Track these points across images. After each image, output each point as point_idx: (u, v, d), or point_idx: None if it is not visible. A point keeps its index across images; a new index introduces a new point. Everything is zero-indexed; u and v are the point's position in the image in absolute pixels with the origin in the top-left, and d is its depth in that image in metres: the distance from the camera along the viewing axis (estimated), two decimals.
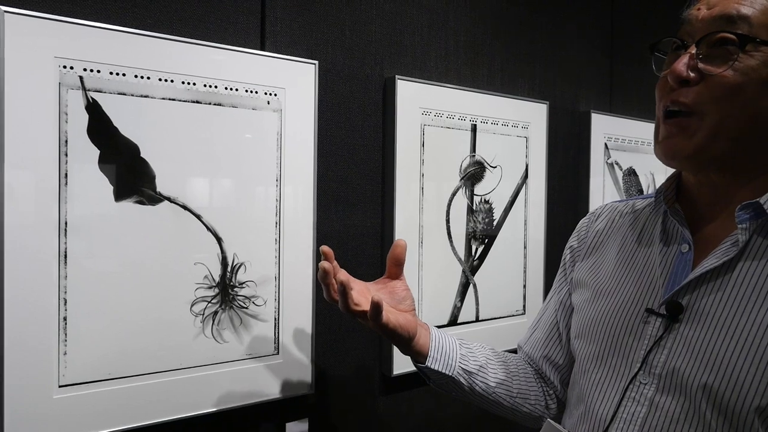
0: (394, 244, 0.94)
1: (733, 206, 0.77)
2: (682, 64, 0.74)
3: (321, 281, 0.85)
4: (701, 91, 0.74)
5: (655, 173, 2.02)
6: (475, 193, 1.52)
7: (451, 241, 1.48)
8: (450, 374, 0.93)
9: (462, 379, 0.94)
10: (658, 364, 0.77)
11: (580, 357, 0.89)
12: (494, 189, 1.56)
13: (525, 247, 1.64)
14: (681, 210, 0.83)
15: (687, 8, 0.82)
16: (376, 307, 0.82)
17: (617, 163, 1.92)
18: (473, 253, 1.53)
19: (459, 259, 1.49)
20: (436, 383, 0.96)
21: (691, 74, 0.74)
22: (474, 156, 1.52)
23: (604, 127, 1.85)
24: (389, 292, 0.93)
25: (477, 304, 1.54)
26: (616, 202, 1.01)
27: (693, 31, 0.77)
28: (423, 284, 1.42)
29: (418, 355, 0.93)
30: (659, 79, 0.81)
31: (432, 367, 0.92)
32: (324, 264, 0.84)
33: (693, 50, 0.74)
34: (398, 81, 1.35)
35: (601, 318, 0.86)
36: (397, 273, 0.95)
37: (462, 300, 1.50)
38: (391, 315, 0.87)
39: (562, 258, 1.04)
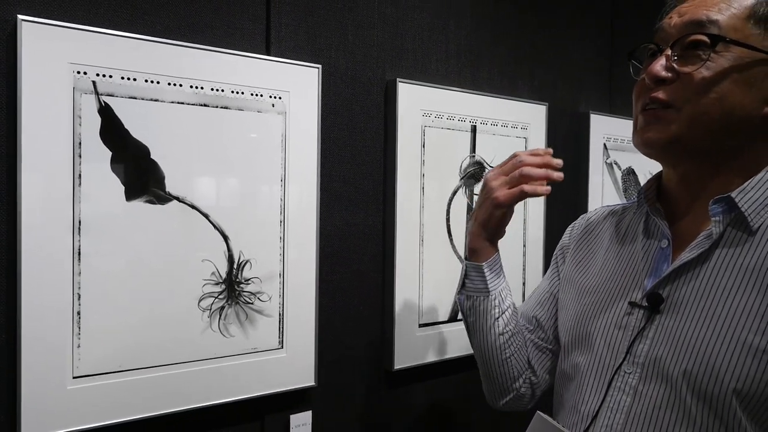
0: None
1: (707, 201, 0.81)
2: (658, 65, 0.80)
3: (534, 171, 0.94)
4: (677, 88, 0.79)
5: (654, 173, 2.04)
6: (474, 192, 1.56)
7: (451, 240, 1.51)
8: (491, 290, 1.00)
9: (495, 302, 1.01)
10: (641, 354, 0.81)
11: (568, 349, 0.93)
12: None
13: (524, 246, 1.68)
14: (662, 209, 0.88)
15: (660, 20, 0.87)
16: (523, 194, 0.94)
17: (616, 163, 1.95)
18: None
19: (459, 257, 1.53)
20: (468, 297, 1.02)
21: (668, 74, 0.79)
22: (474, 156, 1.55)
23: (603, 127, 1.88)
24: None
25: None
26: (606, 206, 1.06)
27: (666, 37, 0.82)
28: (423, 281, 1.46)
29: (479, 256, 1.01)
30: (636, 82, 0.86)
31: (484, 270, 1.00)
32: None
33: (668, 52, 0.80)
34: (399, 84, 1.38)
35: (588, 312, 0.90)
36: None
37: None
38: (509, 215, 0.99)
39: (554, 255, 1.08)
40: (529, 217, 1.68)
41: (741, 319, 0.74)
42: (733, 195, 0.79)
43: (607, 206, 1.06)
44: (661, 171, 0.94)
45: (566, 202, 1.84)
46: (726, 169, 0.82)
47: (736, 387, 0.73)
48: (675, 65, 0.79)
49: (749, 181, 0.80)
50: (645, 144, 0.83)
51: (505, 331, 1.01)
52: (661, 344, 0.79)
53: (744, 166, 0.81)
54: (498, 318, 1.01)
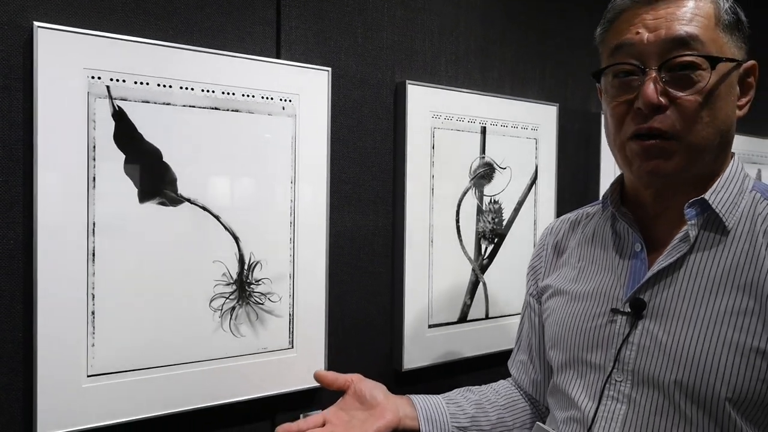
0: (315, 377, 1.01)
1: (680, 204, 0.80)
2: (652, 91, 0.75)
3: None
4: (673, 115, 0.76)
5: None
6: (484, 193, 1.56)
7: (461, 241, 1.52)
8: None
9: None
10: (630, 361, 0.80)
11: (557, 364, 0.93)
12: (504, 189, 1.60)
13: (534, 247, 1.68)
14: (629, 212, 0.87)
15: (606, 27, 0.82)
16: None
17: None
18: (483, 253, 1.57)
19: (469, 258, 1.53)
20: None
21: (664, 100, 0.75)
22: (484, 157, 1.55)
23: None
24: (357, 400, 0.98)
25: (486, 301, 1.58)
26: (567, 214, 1.06)
27: (641, 55, 0.77)
28: (433, 283, 1.46)
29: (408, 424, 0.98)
30: (615, 104, 0.81)
31: None
32: None
33: (653, 75, 0.76)
34: (409, 86, 1.39)
35: (571, 324, 0.89)
36: (343, 385, 1.01)
37: (472, 298, 1.55)
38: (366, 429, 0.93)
39: (526, 278, 1.08)
40: (539, 219, 1.68)
41: (725, 319, 0.74)
42: (706, 197, 0.78)
43: (569, 214, 1.05)
44: (622, 174, 0.92)
45: (577, 202, 1.83)
46: (698, 173, 0.81)
47: (728, 396, 0.73)
48: (668, 89, 0.76)
49: (717, 180, 0.80)
50: (653, 174, 0.79)
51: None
52: (648, 351, 0.79)
53: (710, 167, 0.81)
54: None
